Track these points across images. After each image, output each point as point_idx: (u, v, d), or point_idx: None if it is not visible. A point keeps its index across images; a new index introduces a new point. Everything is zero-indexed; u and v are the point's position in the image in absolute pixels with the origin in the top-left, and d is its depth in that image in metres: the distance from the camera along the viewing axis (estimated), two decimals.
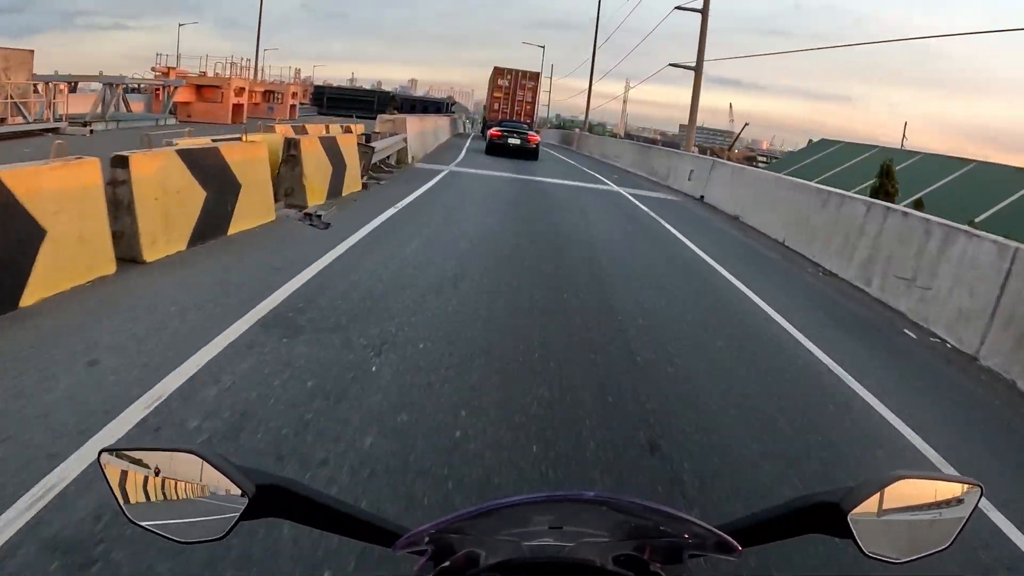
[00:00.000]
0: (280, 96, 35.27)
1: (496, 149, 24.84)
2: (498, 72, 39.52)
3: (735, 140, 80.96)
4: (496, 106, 39.00)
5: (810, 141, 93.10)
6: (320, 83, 55.80)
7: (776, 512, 0.80)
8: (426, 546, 0.75)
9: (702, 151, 72.50)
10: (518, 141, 25.05)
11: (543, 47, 56.68)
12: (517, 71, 39.40)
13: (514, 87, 38.95)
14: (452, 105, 57.05)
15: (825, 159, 26.71)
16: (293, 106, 36.48)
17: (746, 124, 76.73)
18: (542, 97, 76.03)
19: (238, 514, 0.73)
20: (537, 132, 28.08)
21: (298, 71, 38.61)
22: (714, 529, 0.73)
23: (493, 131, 25.72)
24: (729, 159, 58.94)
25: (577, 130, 47.93)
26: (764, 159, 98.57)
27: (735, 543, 0.72)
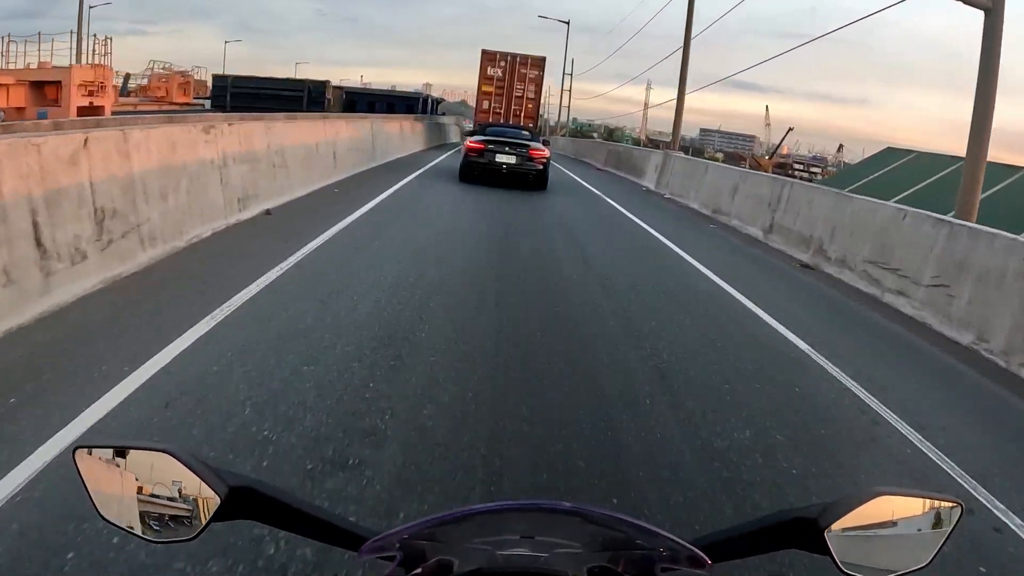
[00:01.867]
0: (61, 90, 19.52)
1: (475, 173, 14.82)
2: (488, 57, 27.31)
3: (777, 147, 71.47)
4: (486, 104, 27.27)
5: (840, 146, 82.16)
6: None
7: (753, 527, 0.80)
8: (395, 552, 0.74)
9: (732, 159, 63.04)
10: (513, 159, 14.73)
11: (567, 22, 41.97)
12: (514, 55, 27.15)
13: (510, 78, 26.97)
14: (438, 104, 43.22)
15: (897, 174, 21.38)
16: (97, 107, 20.43)
17: (790, 129, 67.28)
18: (558, 96, 67.47)
19: (209, 515, 0.73)
20: (545, 143, 17.14)
21: (104, 41, 25.48)
22: (686, 544, 0.73)
23: (472, 142, 15.23)
24: (765, 169, 50.23)
25: (661, 145, 34.15)
26: (800, 167, 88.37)
27: (704, 557, 0.73)
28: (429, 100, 40.87)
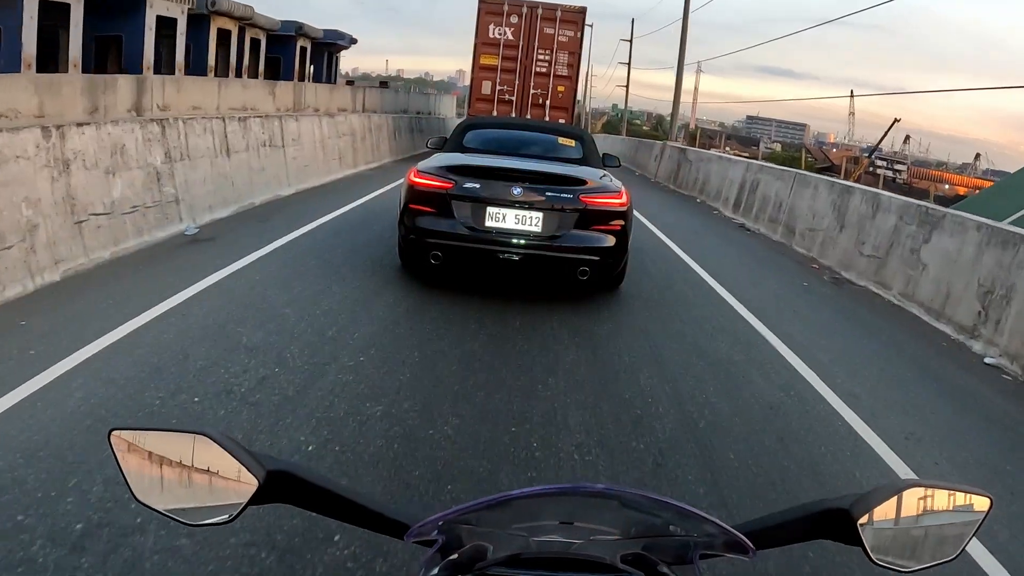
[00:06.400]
0: None
1: (430, 258, 5.15)
2: (489, 9, 15.69)
3: (879, 141, 58.29)
4: (487, 87, 15.93)
5: (907, 137, 66.16)
6: None
7: (786, 517, 0.79)
8: (436, 536, 0.74)
9: (801, 159, 50.50)
10: (535, 222, 5.02)
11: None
12: (533, 4, 15.62)
13: (528, 40, 15.58)
14: (330, 54, 21.90)
15: None
16: None
17: (896, 120, 53.73)
18: (597, 79, 51.88)
19: (247, 499, 0.73)
20: (608, 163, 6.48)
21: None
22: (728, 527, 0.71)
23: (423, 176, 5.19)
24: (856, 178, 38.68)
25: (720, 139, 21.09)
26: (883, 163, 74.62)
27: (749, 543, 0.71)
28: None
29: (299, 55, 17.77)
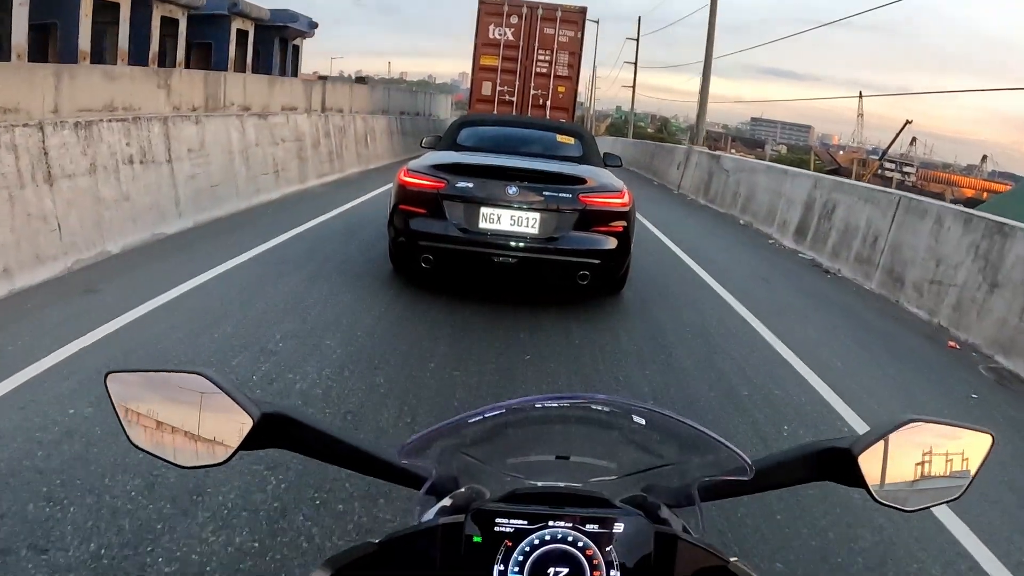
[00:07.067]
0: None
1: (422, 260, 5.03)
2: (489, 10, 15.17)
3: (891, 144, 56.14)
4: (487, 88, 15.41)
5: (913, 139, 58.99)
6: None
7: (786, 457, 0.78)
8: (428, 466, 0.74)
9: (810, 161, 48.11)
10: (532, 223, 4.87)
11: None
12: (534, 5, 15.11)
13: (528, 41, 15.02)
14: (283, 38, 18.05)
15: None
16: None
17: (908, 122, 51.75)
18: (599, 80, 50.98)
19: (240, 440, 0.72)
20: (607, 162, 6.01)
21: None
22: (726, 443, 0.70)
23: (413, 175, 5.00)
24: (862, 176, 36.10)
25: (726, 141, 20.25)
26: (891, 166, 72.61)
27: (747, 460, 0.70)
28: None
29: (236, 40, 14.39)
